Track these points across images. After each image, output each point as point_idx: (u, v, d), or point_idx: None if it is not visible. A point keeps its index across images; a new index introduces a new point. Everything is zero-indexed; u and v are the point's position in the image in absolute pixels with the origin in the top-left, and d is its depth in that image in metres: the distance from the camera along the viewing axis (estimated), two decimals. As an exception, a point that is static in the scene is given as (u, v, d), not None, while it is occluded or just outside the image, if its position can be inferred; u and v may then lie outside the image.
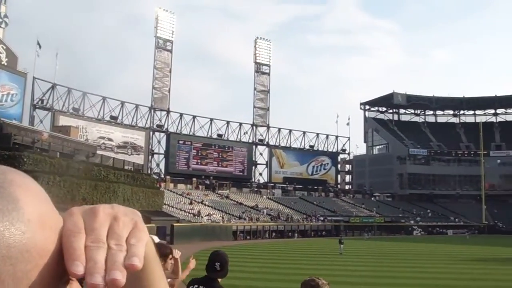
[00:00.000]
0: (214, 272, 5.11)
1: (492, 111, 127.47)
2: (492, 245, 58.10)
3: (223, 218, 71.57)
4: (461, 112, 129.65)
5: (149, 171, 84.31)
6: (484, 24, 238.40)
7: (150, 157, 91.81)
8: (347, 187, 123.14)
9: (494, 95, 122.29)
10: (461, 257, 40.80)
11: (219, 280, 5.19)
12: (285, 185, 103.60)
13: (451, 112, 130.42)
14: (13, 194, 0.56)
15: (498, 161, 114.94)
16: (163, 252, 5.56)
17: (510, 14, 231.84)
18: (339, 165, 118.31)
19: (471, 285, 22.81)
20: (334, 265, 31.84)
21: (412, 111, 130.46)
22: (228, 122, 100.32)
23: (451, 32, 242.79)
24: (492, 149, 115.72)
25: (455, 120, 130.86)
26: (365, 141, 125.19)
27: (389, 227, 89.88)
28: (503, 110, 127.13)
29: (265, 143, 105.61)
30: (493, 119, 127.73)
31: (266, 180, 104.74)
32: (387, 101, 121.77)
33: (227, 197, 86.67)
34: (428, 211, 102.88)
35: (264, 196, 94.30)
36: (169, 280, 5.82)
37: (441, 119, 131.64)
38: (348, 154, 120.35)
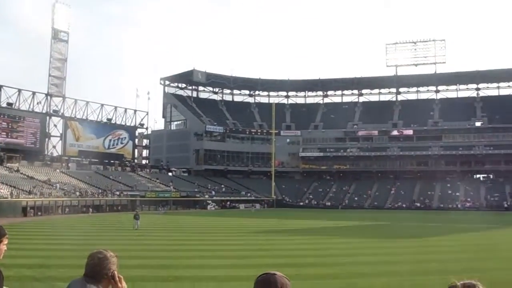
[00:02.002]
0: None
1: (284, 93, 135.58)
2: (276, 218, 62.45)
3: (11, 193, 67.18)
4: (257, 92, 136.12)
5: None
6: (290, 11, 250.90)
7: None
8: (144, 161, 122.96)
9: (287, 78, 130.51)
10: (249, 229, 43.23)
11: None
12: (80, 159, 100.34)
13: (247, 92, 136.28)
14: None
15: (287, 140, 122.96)
16: None
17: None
18: (136, 140, 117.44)
19: (259, 255, 24.26)
20: (129, 240, 31.83)
21: (211, 89, 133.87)
22: (19, 90, 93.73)
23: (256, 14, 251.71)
24: (282, 129, 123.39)
25: (250, 100, 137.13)
26: (163, 116, 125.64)
27: (184, 201, 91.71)
28: (294, 93, 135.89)
29: (60, 114, 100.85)
30: (284, 101, 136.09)
31: (60, 153, 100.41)
32: (187, 78, 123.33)
33: (17, 171, 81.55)
34: (222, 186, 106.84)
35: (58, 170, 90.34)
36: None
37: (237, 98, 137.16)
38: (146, 128, 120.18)
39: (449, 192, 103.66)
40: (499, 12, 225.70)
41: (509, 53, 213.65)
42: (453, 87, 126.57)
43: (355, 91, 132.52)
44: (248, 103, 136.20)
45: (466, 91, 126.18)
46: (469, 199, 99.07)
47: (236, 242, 31.49)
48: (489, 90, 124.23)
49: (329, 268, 19.72)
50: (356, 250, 26.95)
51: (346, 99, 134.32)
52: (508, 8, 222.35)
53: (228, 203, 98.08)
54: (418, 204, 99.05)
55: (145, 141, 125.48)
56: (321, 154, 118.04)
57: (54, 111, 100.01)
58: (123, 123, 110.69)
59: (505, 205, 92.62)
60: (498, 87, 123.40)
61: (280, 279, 2.71)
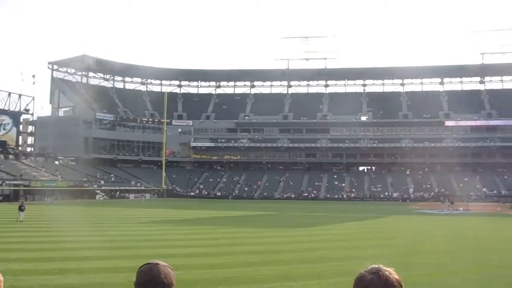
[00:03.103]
0: None
1: (177, 82, 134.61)
2: (166, 208, 62.12)
3: None
4: (149, 81, 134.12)
5: None
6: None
7: None
8: (29, 149, 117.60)
9: (180, 68, 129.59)
10: (138, 220, 42.70)
11: None
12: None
13: (139, 80, 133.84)
14: None
15: (179, 130, 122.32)
16: None
17: None
18: (21, 126, 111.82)
19: (147, 245, 24.12)
20: (12, 233, 30.37)
21: (102, 75, 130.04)
22: None
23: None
24: (174, 118, 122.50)
25: (142, 88, 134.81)
26: (51, 102, 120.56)
27: (72, 191, 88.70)
28: (186, 83, 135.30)
29: None
30: (177, 90, 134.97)
31: None
32: (77, 63, 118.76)
33: None
34: (112, 175, 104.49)
35: None
36: None
37: (129, 86, 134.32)
38: (32, 114, 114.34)
39: (336, 183, 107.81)
40: (386, 12, 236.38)
41: (394, 52, 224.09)
42: (342, 82, 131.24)
43: (248, 83, 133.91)
44: (140, 91, 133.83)
45: (353, 87, 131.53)
46: (353, 190, 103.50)
47: (124, 233, 31.02)
48: (375, 86, 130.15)
49: (218, 257, 19.88)
50: (245, 240, 27.40)
51: (239, 90, 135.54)
52: (394, 9, 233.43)
53: (118, 193, 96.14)
54: (306, 195, 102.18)
55: (31, 128, 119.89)
56: (213, 144, 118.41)
57: None
58: (6, 108, 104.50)
59: (381, 196, 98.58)
60: (383, 84, 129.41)
61: (163, 268, 2.70)
